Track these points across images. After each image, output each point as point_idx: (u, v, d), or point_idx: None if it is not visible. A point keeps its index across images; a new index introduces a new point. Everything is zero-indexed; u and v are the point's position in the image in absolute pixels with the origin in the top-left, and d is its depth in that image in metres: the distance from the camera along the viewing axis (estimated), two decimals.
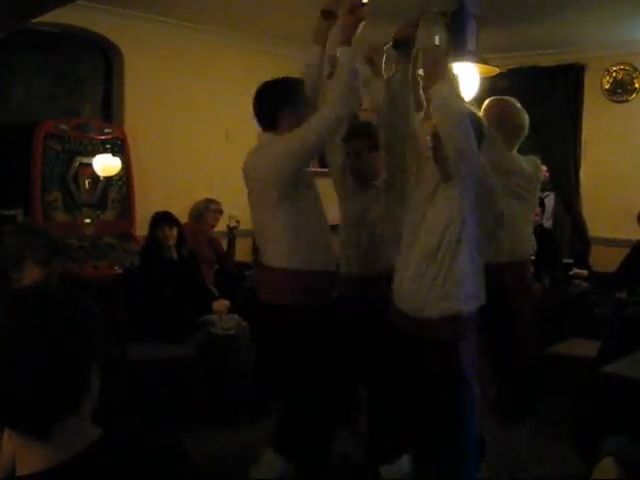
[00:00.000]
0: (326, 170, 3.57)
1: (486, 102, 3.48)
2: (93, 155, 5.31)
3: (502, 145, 3.29)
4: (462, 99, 2.77)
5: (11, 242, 2.53)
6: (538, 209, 5.67)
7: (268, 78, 3.06)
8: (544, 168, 7.05)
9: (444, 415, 2.68)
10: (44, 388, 1.11)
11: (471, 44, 4.45)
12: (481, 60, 4.38)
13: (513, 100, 3.52)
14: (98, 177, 5.37)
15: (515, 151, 3.46)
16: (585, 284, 5.52)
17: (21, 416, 1.13)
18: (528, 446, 3.91)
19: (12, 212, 4.78)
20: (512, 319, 3.28)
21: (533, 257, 5.17)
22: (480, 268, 2.73)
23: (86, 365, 1.17)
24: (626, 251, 5.40)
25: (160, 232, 4.66)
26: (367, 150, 3.26)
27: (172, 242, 4.67)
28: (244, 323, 4.56)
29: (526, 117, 3.47)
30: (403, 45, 2.98)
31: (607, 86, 6.26)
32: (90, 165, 5.30)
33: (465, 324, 2.70)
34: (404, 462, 3.16)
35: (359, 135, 3.30)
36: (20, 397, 1.11)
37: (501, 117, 3.35)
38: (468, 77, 4.23)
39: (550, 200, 6.83)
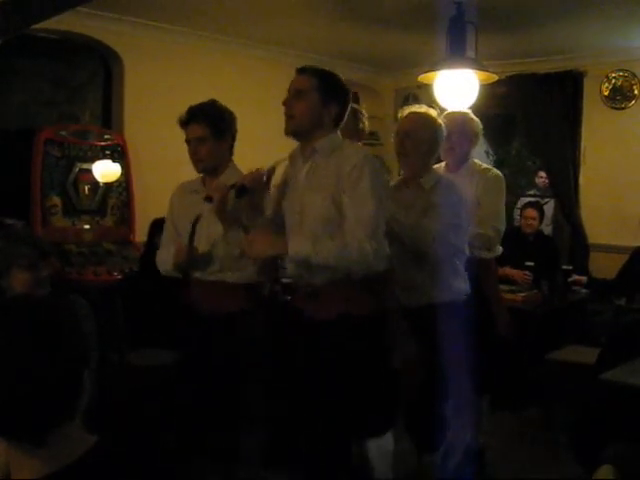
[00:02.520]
0: None
1: (445, 114, 3.71)
2: (93, 161, 5.32)
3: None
4: None
5: None
6: (535, 213, 5.69)
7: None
8: (543, 175, 7.13)
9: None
10: (35, 396, 1.11)
11: (470, 51, 4.45)
12: (480, 67, 4.39)
13: (468, 111, 3.87)
14: (98, 183, 5.37)
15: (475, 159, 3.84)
16: (584, 291, 5.51)
17: (14, 424, 1.12)
18: (528, 453, 3.93)
19: (12, 222, 4.78)
20: (484, 299, 3.61)
21: (532, 264, 5.21)
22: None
23: (78, 371, 1.17)
24: (625, 258, 5.40)
25: (158, 239, 4.65)
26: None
27: None
28: None
29: (481, 125, 3.80)
30: (247, 194, 2.74)
31: (606, 93, 6.26)
32: (90, 171, 5.31)
33: None
34: (388, 438, 3.19)
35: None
36: (12, 405, 1.11)
37: (463, 129, 3.69)
38: (467, 84, 4.24)
39: (549, 207, 6.84)
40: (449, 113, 3.79)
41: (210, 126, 3.03)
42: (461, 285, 3.20)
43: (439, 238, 2.96)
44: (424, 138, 3.13)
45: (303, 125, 2.59)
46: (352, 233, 2.44)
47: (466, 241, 3.20)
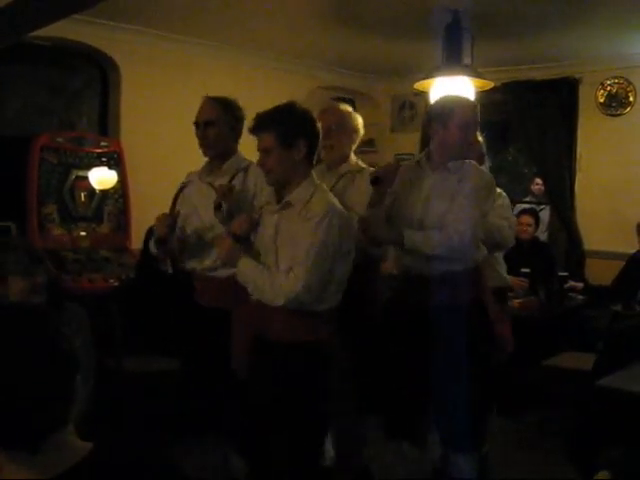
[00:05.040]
0: None
1: (322, 109, 3.57)
2: (89, 168, 5.31)
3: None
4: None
5: None
6: (530, 219, 5.67)
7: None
8: (539, 181, 7.14)
9: None
10: (27, 402, 1.11)
11: (466, 58, 4.47)
12: (476, 74, 4.41)
13: (348, 105, 3.71)
14: (94, 190, 5.36)
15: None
16: (581, 297, 5.52)
17: (6, 431, 1.12)
18: (526, 458, 3.92)
19: (6, 224, 4.78)
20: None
21: (528, 270, 5.21)
22: None
23: (69, 377, 1.17)
24: (621, 264, 5.41)
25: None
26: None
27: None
28: None
29: (361, 120, 3.63)
30: (380, 183, 3.02)
31: (601, 100, 6.29)
32: (86, 178, 5.30)
33: None
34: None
35: None
36: (4, 412, 1.11)
37: (342, 124, 3.50)
38: (463, 91, 4.26)
39: (545, 213, 6.85)
40: (326, 108, 3.64)
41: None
42: None
43: None
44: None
45: None
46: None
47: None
